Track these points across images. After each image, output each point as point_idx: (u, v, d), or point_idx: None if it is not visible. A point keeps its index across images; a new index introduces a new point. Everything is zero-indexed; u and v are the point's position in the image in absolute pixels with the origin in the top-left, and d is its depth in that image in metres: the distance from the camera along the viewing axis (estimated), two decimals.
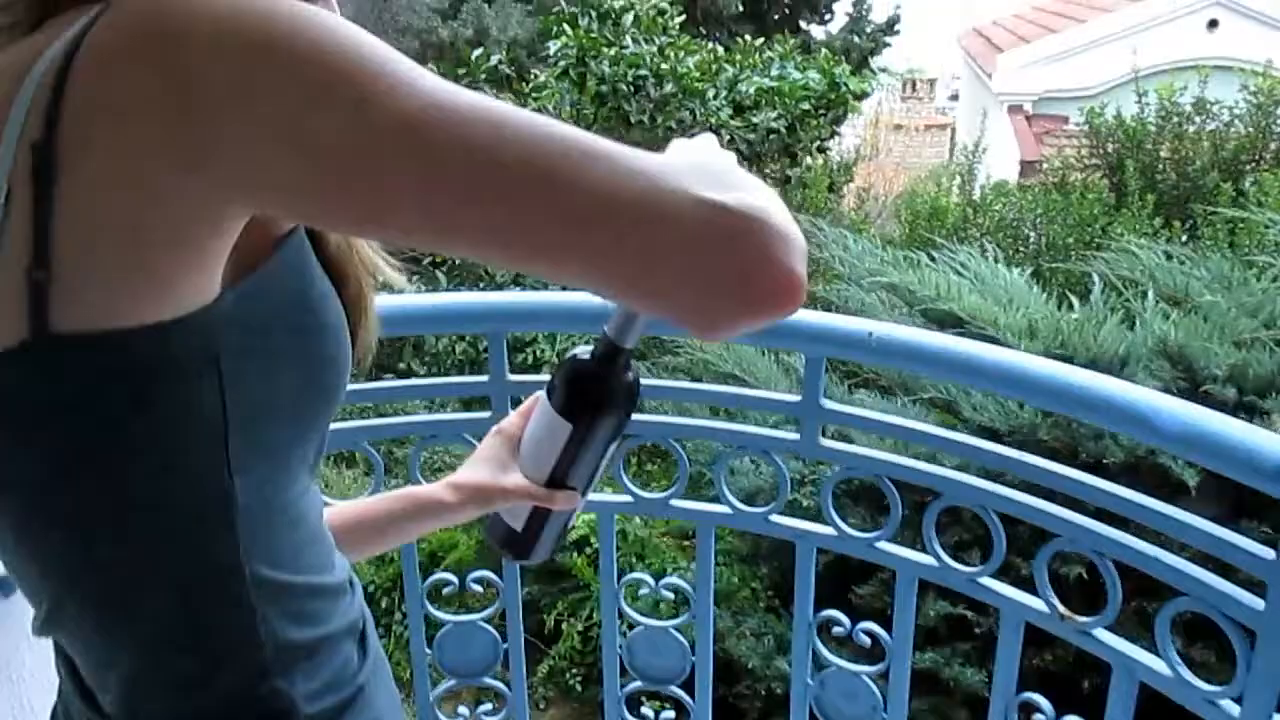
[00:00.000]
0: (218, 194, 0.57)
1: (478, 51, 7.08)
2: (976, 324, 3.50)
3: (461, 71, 7.05)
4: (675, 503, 1.58)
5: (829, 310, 4.48)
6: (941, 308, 3.74)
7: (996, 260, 4.37)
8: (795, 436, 1.47)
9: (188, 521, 0.65)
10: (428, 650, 1.69)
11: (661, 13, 6.29)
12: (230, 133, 0.54)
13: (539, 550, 0.98)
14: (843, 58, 7.30)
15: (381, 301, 0.82)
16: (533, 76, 6.70)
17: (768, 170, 6.20)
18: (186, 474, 0.64)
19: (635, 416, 1.59)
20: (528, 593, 4.30)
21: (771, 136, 6.12)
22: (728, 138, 6.03)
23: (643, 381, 1.58)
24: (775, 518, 1.53)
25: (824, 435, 1.47)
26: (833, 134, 7.61)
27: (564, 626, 3.99)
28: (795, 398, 1.46)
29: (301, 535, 0.74)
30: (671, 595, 1.67)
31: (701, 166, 0.60)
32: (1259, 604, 1.07)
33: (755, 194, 0.59)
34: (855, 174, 8.96)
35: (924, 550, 1.43)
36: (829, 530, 1.49)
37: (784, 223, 0.58)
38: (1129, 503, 1.17)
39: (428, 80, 0.57)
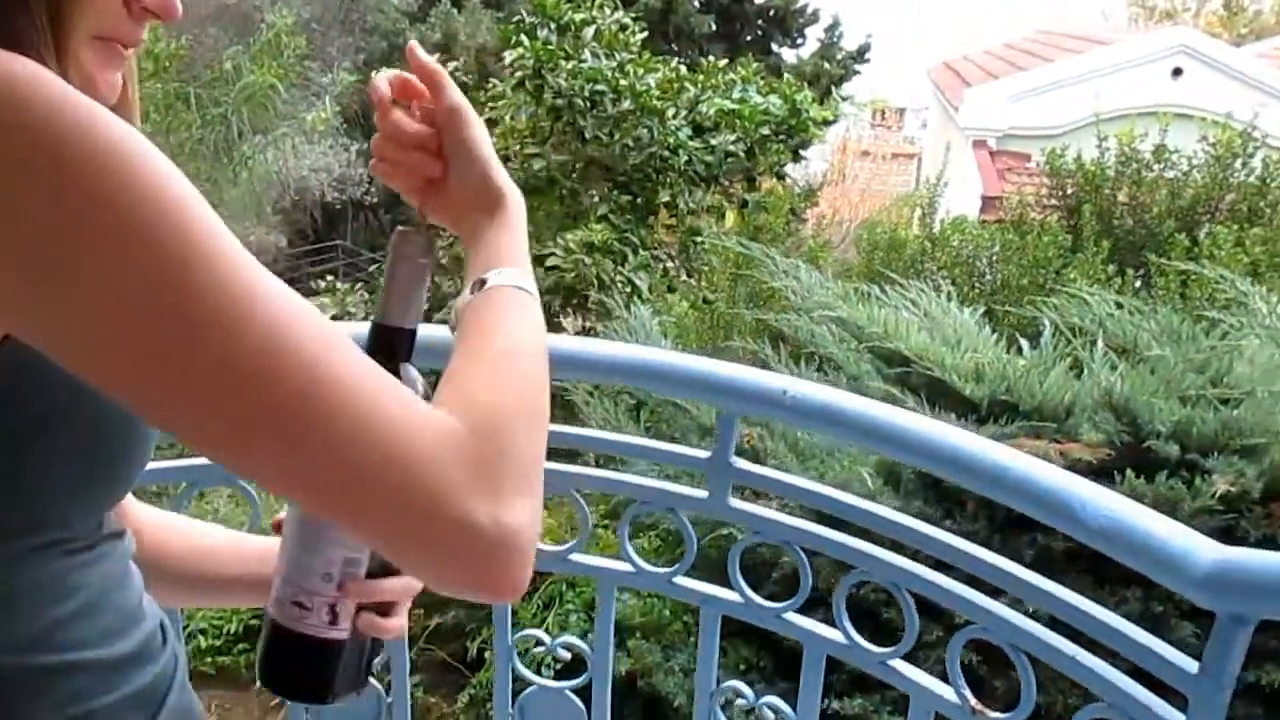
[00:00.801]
0: None
1: (434, 57, 6.97)
2: (923, 364, 3.42)
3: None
4: (575, 557, 1.47)
5: (779, 340, 4.42)
6: (889, 345, 3.66)
7: (950, 298, 4.32)
8: (704, 495, 1.37)
9: None
10: (305, 713, 1.57)
11: (624, 28, 6.20)
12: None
13: (340, 677, 0.79)
14: (809, 83, 7.27)
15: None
16: (492, 85, 6.60)
17: (722, 192, 6.14)
18: None
19: None
20: (453, 616, 4.18)
21: (730, 159, 6.05)
22: (686, 158, 5.96)
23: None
24: (680, 580, 1.43)
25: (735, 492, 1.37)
26: (796, 159, 7.56)
27: (487, 655, 3.85)
28: (705, 453, 1.36)
29: (72, 609, 0.68)
30: (568, 655, 1.55)
31: (483, 443, 0.61)
32: (1179, 718, 0.98)
33: (520, 494, 0.61)
34: (820, 199, 8.93)
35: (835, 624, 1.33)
36: (735, 597, 1.39)
37: (529, 538, 0.61)
38: (1053, 598, 1.08)
39: (230, 275, 0.54)
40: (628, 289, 5.30)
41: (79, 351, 0.54)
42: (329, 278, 9.57)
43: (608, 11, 6.19)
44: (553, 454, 1.54)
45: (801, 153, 7.71)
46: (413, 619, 1.59)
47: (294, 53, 9.57)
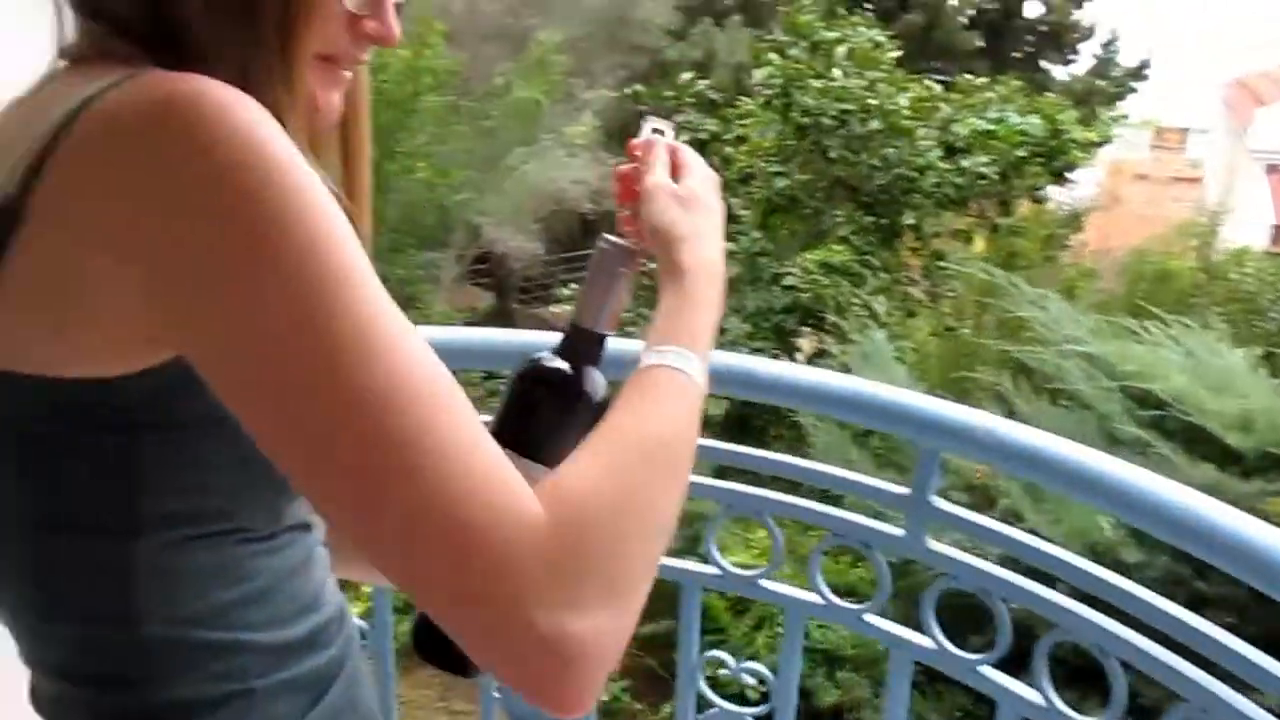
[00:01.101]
0: (140, 306, 0.57)
1: (686, 75, 7.11)
2: (1179, 408, 3.15)
3: (669, 93, 7.10)
4: (765, 583, 1.45)
5: (1024, 373, 4.19)
6: (1144, 386, 3.40)
7: (1221, 337, 3.95)
8: (900, 532, 1.32)
9: (84, 566, 0.67)
10: (495, 694, 1.63)
11: (877, 45, 6.07)
12: (162, 266, 0.56)
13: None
14: (1080, 102, 6.85)
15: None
16: (742, 102, 6.64)
17: (973, 215, 5.90)
18: (87, 524, 0.65)
19: (729, 486, 1.48)
20: (664, 624, 4.23)
21: (981, 181, 5.80)
22: (934, 180, 5.77)
23: (729, 447, 1.47)
24: (870, 618, 1.38)
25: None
26: (1061, 182, 7.16)
27: None
28: (903, 489, 1.31)
29: (244, 593, 0.72)
30: (754, 680, 1.53)
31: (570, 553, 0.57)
32: None
33: (604, 605, 0.57)
34: (1087, 225, 8.39)
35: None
36: (928, 643, 1.33)
37: (600, 650, 0.56)
38: None
39: (375, 330, 0.56)
40: (864, 312, 5.19)
41: (210, 364, 0.57)
42: (576, 286, 9.92)
43: (861, 29, 6.09)
44: (756, 478, 1.52)
45: (1068, 176, 7.29)
46: None
47: (560, 70, 10.04)
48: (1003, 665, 1.29)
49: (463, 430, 0.57)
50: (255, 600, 0.72)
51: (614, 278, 0.79)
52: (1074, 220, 7.85)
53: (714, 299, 0.77)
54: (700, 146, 7.01)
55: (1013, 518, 3.50)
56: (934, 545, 1.31)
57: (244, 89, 0.60)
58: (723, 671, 1.55)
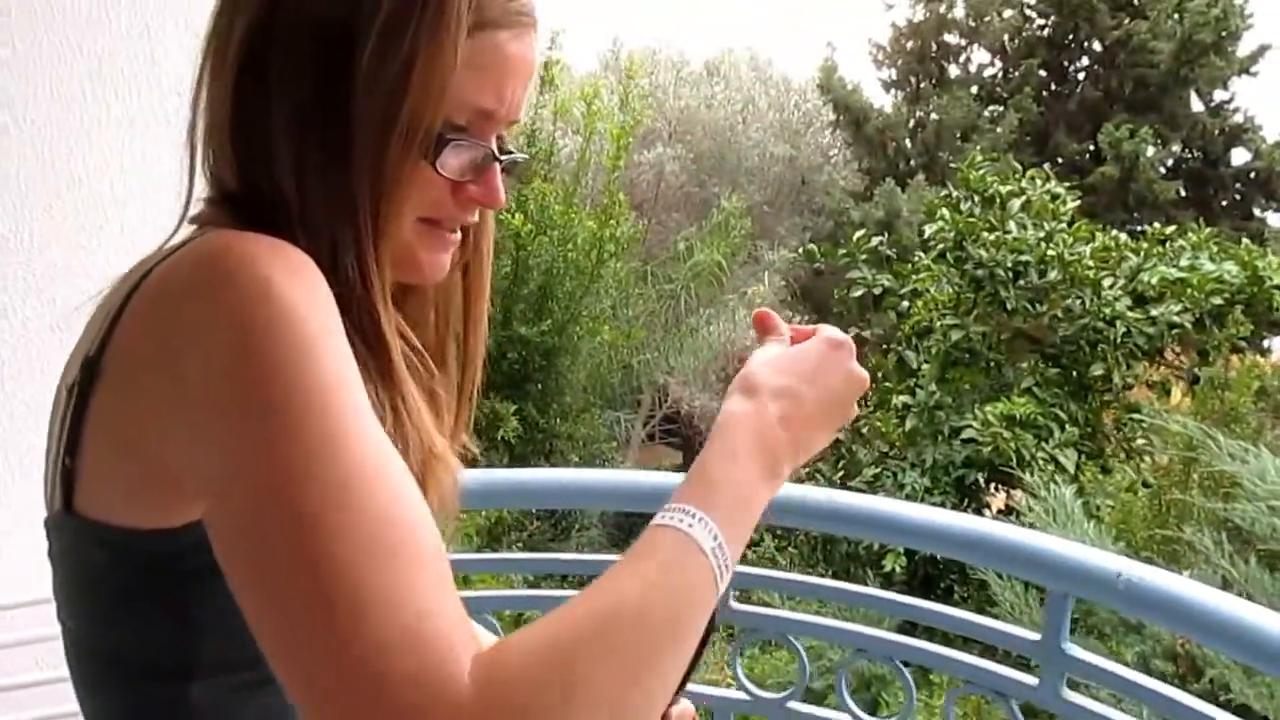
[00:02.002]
0: (181, 455, 0.59)
1: (859, 233, 7.20)
2: None
3: (843, 251, 7.18)
4: None
5: (1224, 529, 3.88)
6: None
7: None
8: (1033, 682, 1.26)
9: (144, 708, 0.67)
10: None
11: (1055, 198, 5.99)
12: (187, 415, 0.58)
13: None
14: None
15: None
16: (919, 258, 6.64)
17: (1171, 367, 5.59)
18: (147, 666, 0.67)
19: (860, 629, 1.45)
20: None
21: (1174, 331, 5.52)
22: (1124, 330, 5.53)
23: (856, 589, 1.45)
24: None
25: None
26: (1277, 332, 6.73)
27: None
28: (1033, 635, 1.25)
29: None
30: None
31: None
32: None
33: None
34: None
35: None
36: None
37: None
38: None
39: (357, 490, 0.54)
40: (1050, 466, 4.94)
41: (206, 512, 0.58)
42: None
43: (1038, 183, 6.03)
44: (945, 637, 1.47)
45: None
46: None
47: (741, 233, 10.34)
48: None
49: (418, 589, 0.53)
50: None
51: None
52: None
53: (735, 450, 0.69)
54: (875, 301, 7.03)
55: (1222, 690, 3.19)
56: (1070, 696, 1.24)
57: (333, 253, 0.63)
58: None
